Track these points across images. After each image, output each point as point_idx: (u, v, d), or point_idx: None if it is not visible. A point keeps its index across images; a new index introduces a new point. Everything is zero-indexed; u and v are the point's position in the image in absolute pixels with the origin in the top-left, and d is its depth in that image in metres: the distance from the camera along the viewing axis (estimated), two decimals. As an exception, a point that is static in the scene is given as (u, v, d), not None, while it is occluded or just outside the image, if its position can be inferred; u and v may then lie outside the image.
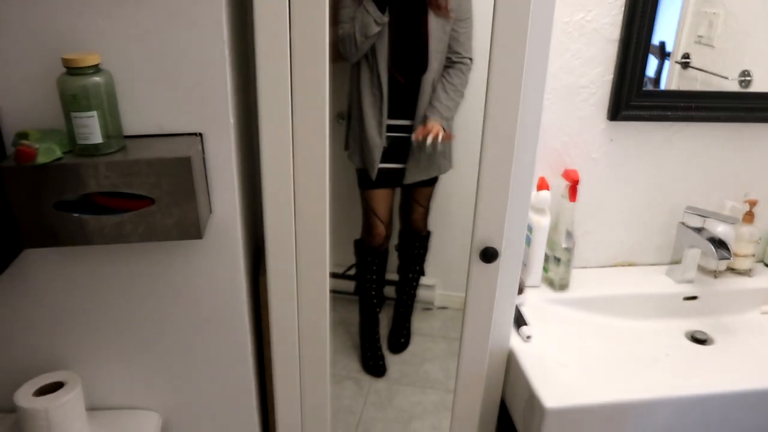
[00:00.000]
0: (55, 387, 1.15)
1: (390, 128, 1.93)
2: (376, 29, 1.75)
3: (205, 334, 1.20)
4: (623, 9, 1.39)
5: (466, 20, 1.85)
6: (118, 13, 0.95)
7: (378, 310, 2.24)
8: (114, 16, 0.95)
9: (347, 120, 1.96)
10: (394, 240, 2.24)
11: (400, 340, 2.22)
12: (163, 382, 1.25)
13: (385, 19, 1.75)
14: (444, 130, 1.87)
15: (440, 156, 1.98)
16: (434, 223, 2.21)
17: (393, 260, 2.27)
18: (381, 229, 2.10)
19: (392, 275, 2.31)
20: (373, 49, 1.82)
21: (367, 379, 2.14)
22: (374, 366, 2.14)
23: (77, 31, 0.96)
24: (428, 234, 2.19)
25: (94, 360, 1.21)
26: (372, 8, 1.73)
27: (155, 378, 1.24)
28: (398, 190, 2.14)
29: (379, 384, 2.12)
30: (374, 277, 2.18)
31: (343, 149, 2.03)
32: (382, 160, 1.95)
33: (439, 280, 2.35)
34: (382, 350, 2.19)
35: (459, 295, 1.31)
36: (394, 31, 1.83)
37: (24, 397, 1.11)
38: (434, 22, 1.82)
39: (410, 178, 1.98)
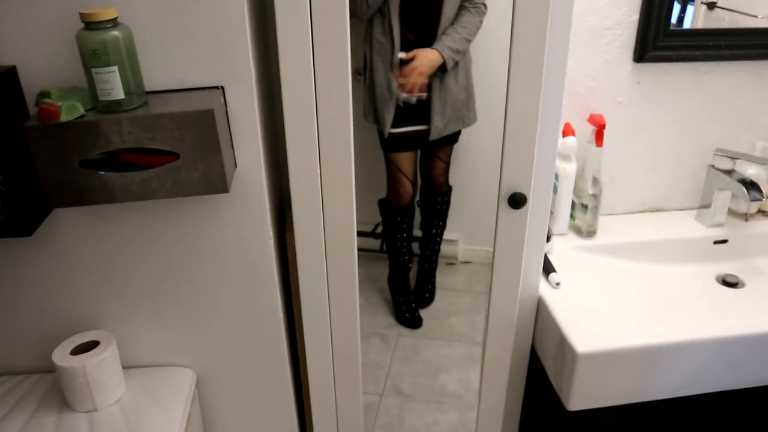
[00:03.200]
0: (91, 346, 1.17)
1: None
2: None
3: (234, 289, 1.21)
4: (649, -55, 1.34)
5: None
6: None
7: (410, 266, 2.25)
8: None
9: (363, 83, 1.93)
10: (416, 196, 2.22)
11: (425, 295, 2.23)
12: (195, 339, 1.26)
13: None
14: (445, 65, 1.82)
15: (464, 108, 1.94)
16: (455, 177, 2.19)
17: (415, 216, 2.26)
18: (408, 188, 2.09)
19: (415, 231, 2.31)
20: (385, 6, 1.78)
21: (393, 334, 2.16)
22: (410, 319, 2.17)
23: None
24: (450, 189, 2.17)
25: (127, 319, 1.22)
26: None
27: (187, 335, 1.25)
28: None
29: (406, 339, 2.14)
30: (404, 235, 2.18)
31: (362, 113, 2.01)
32: (404, 123, 1.92)
33: (462, 234, 2.34)
34: (417, 309, 2.21)
35: (482, 249, 1.30)
36: None
37: (62, 357, 1.13)
38: None
39: (436, 134, 1.95)
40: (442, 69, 1.83)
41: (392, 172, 2.08)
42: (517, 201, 1.16)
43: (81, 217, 1.10)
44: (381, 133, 1.99)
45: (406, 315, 2.18)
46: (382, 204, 2.18)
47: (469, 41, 1.86)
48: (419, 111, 1.95)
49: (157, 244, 1.15)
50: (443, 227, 2.21)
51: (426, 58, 1.81)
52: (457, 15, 1.85)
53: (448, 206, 2.19)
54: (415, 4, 1.83)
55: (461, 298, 2.27)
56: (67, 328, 1.22)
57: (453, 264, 2.39)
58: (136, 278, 1.18)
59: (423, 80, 1.83)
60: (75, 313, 1.21)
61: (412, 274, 2.29)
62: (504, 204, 1.18)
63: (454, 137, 2.05)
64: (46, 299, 1.18)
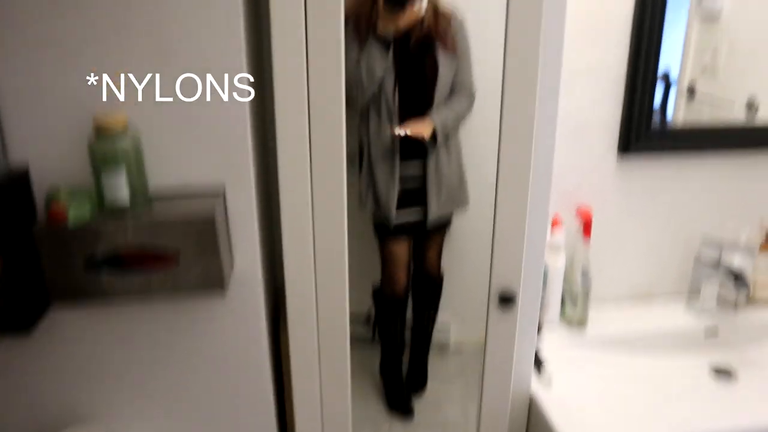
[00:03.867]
0: (84, 443, 1.16)
1: (403, 177, 1.93)
2: (380, 71, 1.77)
3: (228, 386, 1.21)
4: (628, 48, 1.42)
5: (465, 55, 1.87)
6: (145, 71, 0.99)
7: (402, 354, 2.24)
8: (141, 73, 0.99)
9: (358, 172, 1.96)
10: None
11: (418, 382, 2.21)
12: (189, 435, 1.25)
13: (390, 59, 1.77)
14: (434, 138, 1.85)
15: (457, 191, 1.98)
16: (447, 263, 2.21)
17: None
18: (403, 276, 2.09)
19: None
20: (379, 93, 1.84)
21: (386, 423, 2.12)
22: (403, 408, 2.13)
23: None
24: (442, 277, 2.19)
25: (119, 415, 1.22)
26: (376, 49, 1.74)
27: (180, 431, 1.25)
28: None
29: (398, 428, 2.10)
30: (398, 323, 2.18)
31: (356, 202, 2.04)
32: (400, 210, 1.95)
33: (454, 320, 2.34)
34: (410, 397, 2.18)
35: (475, 335, 1.31)
36: (399, 71, 1.85)
37: (53, 455, 1.12)
38: (443, 59, 1.84)
39: (433, 219, 1.97)
40: (433, 139, 1.86)
41: (387, 260, 2.09)
42: (507, 301, 1.18)
43: (79, 314, 1.12)
44: (376, 221, 2.03)
45: (399, 404, 2.14)
46: (376, 293, 2.18)
47: (458, 119, 1.90)
48: (414, 198, 1.98)
49: (153, 342, 1.16)
50: (435, 315, 2.22)
51: (420, 125, 1.86)
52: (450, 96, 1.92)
53: (440, 294, 2.20)
54: (409, 90, 1.89)
55: (454, 385, 2.24)
56: (60, 422, 1.21)
57: (445, 350, 2.38)
58: (130, 375, 1.18)
59: (419, 131, 1.87)
60: (70, 408, 1.20)
61: (404, 361, 2.28)
62: (494, 304, 1.20)
63: (447, 222, 2.09)
64: (41, 394, 1.18)
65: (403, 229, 2.00)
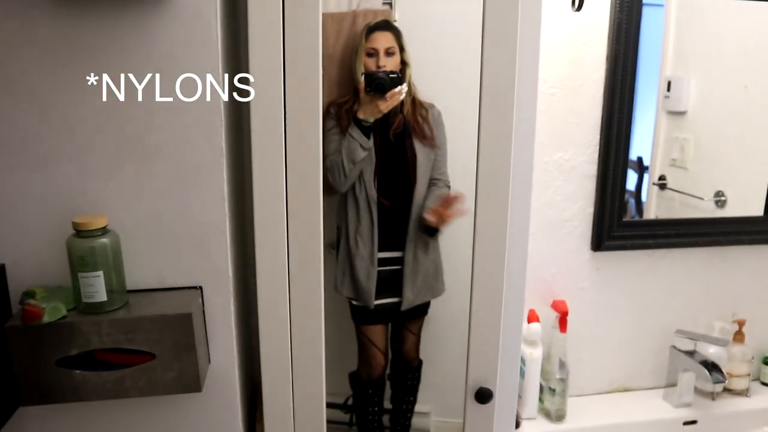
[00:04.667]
0: None
1: (380, 261, 1.96)
2: (362, 154, 1.82)
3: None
4: (598, 148, 1.49)
5: (443, 146, 1.94)
6: (126, 178, 1.02)
7: None
8: (122, 180, 1.02)
9: (336, 256, 1.99)
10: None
11: None
12: None
13: (371, 143, 1.83)
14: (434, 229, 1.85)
15: (433, 279, 2.00)
16: (426, 349, 2.20)
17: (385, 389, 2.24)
18: (380, 360, 2.08)
19: (385, 403, 2.28)
20: (359, 179, 1.89)
21: None
22: None
23: (86, 193, 1.02)
24: (420, 364, 2.18)
25: None
26: (357, 134, 1.81)
27: None
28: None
29: None
30: (375, 408, 2.15)
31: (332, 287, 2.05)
32: (378, 296, 1.96)
33: (433, 406, 2.31)
34: None
35: (455, 422, 1.30)
36: (380, 157, 1.91)
37: None
38: (420, 147, 1.91)
39: (407, 305, 1.99)
40: (430, 233, 1.89)
41: (364, 345, 2.08)
42: (484, 396, 1.18)
43: (50, 413, 1.10)
44: (353, 306, 2.03)
45: None
46: (353, 377, 2.16)
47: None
48: (391, 284, 2.00)
49: (126, 438, 1.14)
50: (414, 401, 2.19)
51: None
52: (429, 187, 1.96)
53: (419, 381, 2.18)
54: (389, 177, 1.94)
55: (434, 475, 2.19)
56: None
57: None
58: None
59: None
60: None
61: None
62: (471, 398, 1.20)
63: (423, 309, 2.09)
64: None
65: (379, 315, 2.01)
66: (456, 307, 1.30)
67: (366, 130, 1.83)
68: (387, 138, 1.92)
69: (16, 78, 0.96)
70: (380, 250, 1.93)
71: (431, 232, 1.86)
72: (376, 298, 1.98)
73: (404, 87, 1.86)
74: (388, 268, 1.96)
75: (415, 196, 1.94)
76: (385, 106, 1.84)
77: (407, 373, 2.15)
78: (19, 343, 0.96)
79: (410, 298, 1.97)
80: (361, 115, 1.82)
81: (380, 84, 1.80)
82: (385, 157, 1.92)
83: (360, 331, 2.07)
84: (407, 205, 1.95)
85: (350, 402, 2.21)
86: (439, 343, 2.22)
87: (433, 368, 2.24)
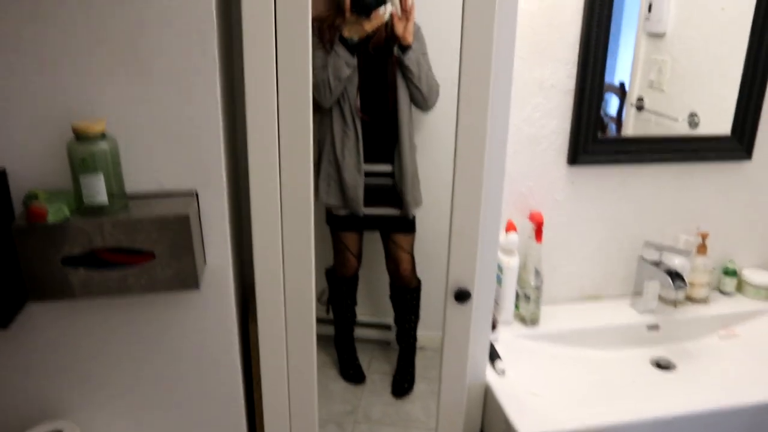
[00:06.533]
0: (56, 435, 1.20)
1: (367, 173, 2.03)
2: (347, 71, 1.89)
3: (197, 378, 1.27)
4: (576, 66, 1.53)
5: (424, 55, 1.97)
6: (123, 82, 1.05)
7: (353, 327, 2.36)
8: (119, 84, 1.05)
9: (316, 167, 2.05)
10: (384, 287, 2.32)
11: (404, 385, 2.30)
12: (159, 427, 1.30)
13: (354, 61, 1.88)
14: (408, 48, 1.90)
15: (415, 190, 2.08)
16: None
17: (388, 307, 2.36)
18: (353, 262, 2.23)
19: (387, 319, 2.41)
20: (343, 95, 1.94)
21: (350, 422, 2.19)
22: (354, 375, 2.27)
23: (85, 97, 1.05)
24: (419, 283, 2.28)
25: (92, 408, 1.26)
26: (342, 51, 1.87)
27: (150, 423, 1.29)
28: (381, 243, 2.25)
29: (362, 426, 2.17)
30: (348, 301, 2.30)
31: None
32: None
33: (420, 323, 2.42)
34: (359, 361, 2.31)
35: (438, 335, 1.39)
36: (362, 73, 1.96)
37: (26, 447, 1.16)
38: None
39: (412, 209, 2.08)
40: (403, 49, 1.92)
41: (339, 249, 2.21)
42: (462, 296, 1.27)
43: (55, 310, 1.16)
44: (331, 214, 2.12)
45: (350, 372, 2.28)
46: (329, 273, 2.31)
47: (428, 78, 1.97)
48: (377, 195, 2.08)
49: (126, 336, 1.21)
50: (416, 319, 2.33)
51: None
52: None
53: (419, 300, 2.30)
54: (371, 91, 1.99)
55: (417, 384, 2.32)
56: (30, 418, 1.24)
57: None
58: (103, 369, 1.23)
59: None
60: (39, 402, 1.24)
61: (392, 364, 2.38)
62: (451, 299, 1.29)
63: (411, 225, 2.18)
64: (15, 387, 1.22)
65: (357, 222, 2.11)
66: (440, 229, 1.37)
67: (351, 48, 1.86)
68: (368, 54, 1.96)
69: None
70: (366, 162, 2.01)
71: (404, 49, 1.92)
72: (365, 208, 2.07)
73: (388, 7, 1.88)
74: (372, 180, 2.04)
75: (399, 109, 1.98)
76: (370, 26, 1.89)
77: (406, 294, 2.27)
78: (25, 243, 1.01)
79: (411, 203, 2.06)
80: (346, 34, 1.86)
81: (366, 5, 1.84)
82: (367, 73, 1.97)
83: (336, 237, 2.18)
84: (388, 120, 2.01)
85: (326, 295, 2.36)
86: (423, 263, 2.31)
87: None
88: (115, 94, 1.06)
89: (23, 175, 1.07)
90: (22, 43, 1.01)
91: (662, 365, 1.57)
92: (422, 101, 1.98)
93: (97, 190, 1.02)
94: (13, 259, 1.04)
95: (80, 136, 1.00)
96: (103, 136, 1.02)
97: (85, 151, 1.00)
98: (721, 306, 1.76)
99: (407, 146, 2.01)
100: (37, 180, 1.08)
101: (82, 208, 1.04)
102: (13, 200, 1.08)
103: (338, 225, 2.16)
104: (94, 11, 1.01)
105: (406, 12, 1.86)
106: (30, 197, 1.04)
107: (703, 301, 1.76)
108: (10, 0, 0.98)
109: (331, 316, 2.38)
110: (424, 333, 2.41)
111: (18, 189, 1.08)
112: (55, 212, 1.00)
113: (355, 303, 2.36)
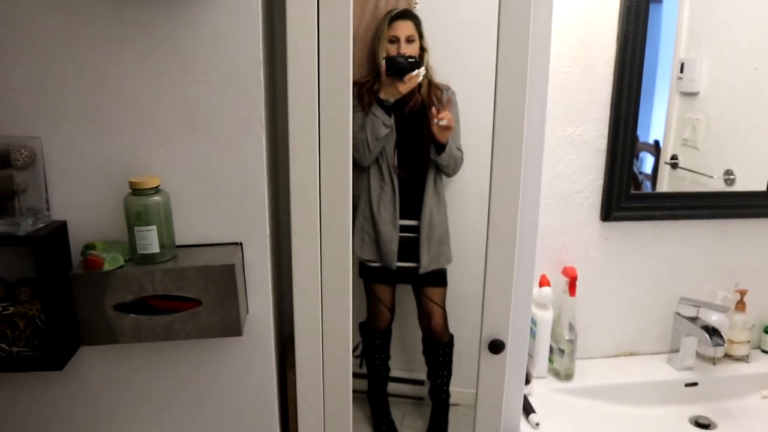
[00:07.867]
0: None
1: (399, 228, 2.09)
2: (385, 131, 1.98)
3: (238, 424, 1.30)
4: (608, 124, 1.57)
5: (457, 122, 2.05)
6: (176, 142, 1.13)
7: (386, 382, 2.35)
8: (173, 144, 1.13)
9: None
10: (417, 342, 2.34)
11: None
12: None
13: (391, 121, 1.97)
14: (443, 147, 1.96)
15: (444, 246, 2.11)
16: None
17: (421, 362, 2.36)
18: (387, 315, 2.25)
19: (422, 374, 2.42)
20: (382, 153, 2.03)
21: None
22: (387, 430, 2.25)
23: (141, 156, 1.14)
24: (451, 338, 2.28)
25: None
26: (380, 113, 1.97)
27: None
28: (413, 298, 2.27)
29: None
30: (382, 355, 2.31)
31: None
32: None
33: (453, 377, 2.41)
34: (392, 416, 2.29)
35: (471, 392, 1.40)
36: (400, 132, 2.04)
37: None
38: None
39: (424, 268, 2.11)
40: (439, 149, 1.99)
41: (373, 301, 2.23)
42: (496, 346, 1.29)
43: (106, 354, 1.23)
44: (365, 266, 2.16)
45: (383, 428, 2.26)
46: (363, 327, 2.32)
47: (456, 160, 2.04)
48: (408, 250, 2.12)
49: (170, 380, 1.26)
50: (449, 375, 2.31)
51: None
52: None
53: (451, 356, 2.29)
54: (407, 150, 2.07)
55: (452, 438, 2.31)
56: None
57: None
58: (149, 410, 1.28)
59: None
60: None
61: (425, 420, 2.37)
62: (485, 349, 1.31)
63: (442, 279, 2.20)
64: (69, 425, 1.27)
65: (391, 275, 2.14)
66: (471, 284, 1.40)
67: (387, 109, 1.97)
68: (404, 115, 2.05)
69: (80, 55, 1.08)
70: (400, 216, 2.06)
71: (440, 148, 1.97)
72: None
73: (422, 71, 1.99)
74: (405, 234, 2.10)
75: (430, 168, 2.06)
76: (404, 87, 2.00)
77: (438, 349, 2.28)
78: (81, 289, 1.08)
79: (426, 260, 2.10)
80: (382, 96, 1.97)
81: (400, 68, 1.96)
82: (403, 132, 2.05)
83: (370, 289, 2.22)
84: (422, 177, 2.08)
85: (360, 349, 2.37)
86: (456, 319, 2.32)
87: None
88: (168, 153, 1.14)
89: (82, 227, 1.15)
90: (85, 110, 1.10)
91: (702, 424, 1.54)
92: (444, 172, 2.06)
93: (150, 240, 1.09)
94: (70, 305, 1.11)
95: (136, 191, 1.08)
96: (157, 190, 1.10)
97: (140, 204, 1.08)
98: (763, 365, 1.73)
99: (430, 204, 2.07)
100: (95, 231, 1.16)
101: (136, 257, 1.11)
102: (72, 250, 1.16)
103: (372, 277, 2.20)
104: (155, 79, 1.10)
105: (447, 125, 1.96)
106: (88, 247, 1.11)
107: (744, 359, 1.73)
108: (78, 73, 1.09)
109: (364, 370, 2.40)
110: (457, 389, 2.40)
111: (77, 240, 1.16)
112: (111, 261, 1.08)
113: (388, 357, 2.37)
